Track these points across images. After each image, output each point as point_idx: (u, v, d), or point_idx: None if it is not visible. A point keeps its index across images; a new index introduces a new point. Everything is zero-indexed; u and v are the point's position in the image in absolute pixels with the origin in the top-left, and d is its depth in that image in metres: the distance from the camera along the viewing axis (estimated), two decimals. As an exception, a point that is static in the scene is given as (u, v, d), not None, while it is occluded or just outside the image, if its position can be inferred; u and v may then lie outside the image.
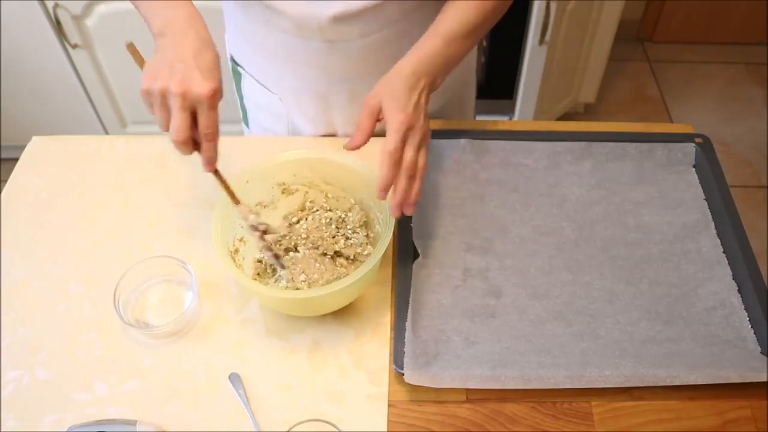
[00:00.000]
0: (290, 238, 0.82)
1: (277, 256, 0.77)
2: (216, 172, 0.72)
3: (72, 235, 0.87)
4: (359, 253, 0.80)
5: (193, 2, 0.72)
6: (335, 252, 0.81)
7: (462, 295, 0.79)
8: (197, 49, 0.67)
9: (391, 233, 0.73)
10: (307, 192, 0.85)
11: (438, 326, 0.76)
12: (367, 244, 0.81)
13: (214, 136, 0.68)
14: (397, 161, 0.69)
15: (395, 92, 0.71)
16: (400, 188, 0.70)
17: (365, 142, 0.72)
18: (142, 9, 0.73)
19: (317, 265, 0.78)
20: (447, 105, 1.04)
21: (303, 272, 0.77)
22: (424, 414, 0.71)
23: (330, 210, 0.85)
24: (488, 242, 0.85)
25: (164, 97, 0.66)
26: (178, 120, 0.65)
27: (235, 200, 0.74)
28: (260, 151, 0.80)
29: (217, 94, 0.66)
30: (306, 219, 0.84)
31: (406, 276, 0.79)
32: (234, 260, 0.76)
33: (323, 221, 0.83)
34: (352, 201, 0.84)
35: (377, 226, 0.81)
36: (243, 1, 0.86)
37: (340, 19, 0.81)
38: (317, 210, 0.85)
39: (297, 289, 0.76)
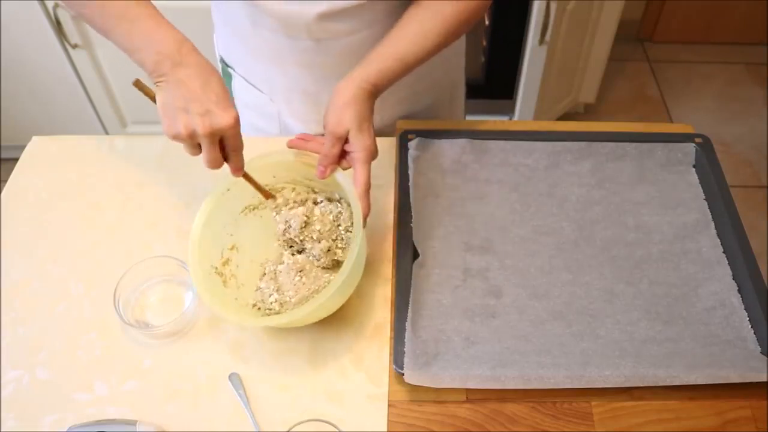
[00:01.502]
0: (302, 231, 0.78)
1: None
2: (245, 175, 0.75)
3: (72, 235, 0.87)
4: None
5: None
6: (335, 262, 0.78)
7: (462, 295, 0.79)
8: (203, 81, 0.68)
9: (359, 242, 0.69)
10: (294, 188, 0.82)
11: (438, 326, 0.76)
12: None
13: (241, 148, 0.72)
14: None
15: (361, 122, 0.74)
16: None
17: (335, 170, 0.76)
18: (118, 38, 0.70)
19: (296, 279, 0.76)
20: (436, 104, 1.04)
21: (277, 291, 0.76)
22: (424, 414, 0.71)
23: (330, 201, 0.80)
24: (488, 242, 0.85)
25: (192, 138, 0.68)
26: (211, 154, 0.70)
27: (267, 195, 0.76)
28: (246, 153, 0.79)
29: (238, 119, 0.69)
30: (312, 213, 0.79)
31: (406, 276, 0.79)
32: (223, 273, 0.76)
33: (329, 215, 0.79)
34: (337, 196, 0.80)
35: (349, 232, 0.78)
36: (230, 1, 0.86)
37: (327, 16, 0.81)
38: (321, 201, 0.80)
39: (269, 309, 0.76)
